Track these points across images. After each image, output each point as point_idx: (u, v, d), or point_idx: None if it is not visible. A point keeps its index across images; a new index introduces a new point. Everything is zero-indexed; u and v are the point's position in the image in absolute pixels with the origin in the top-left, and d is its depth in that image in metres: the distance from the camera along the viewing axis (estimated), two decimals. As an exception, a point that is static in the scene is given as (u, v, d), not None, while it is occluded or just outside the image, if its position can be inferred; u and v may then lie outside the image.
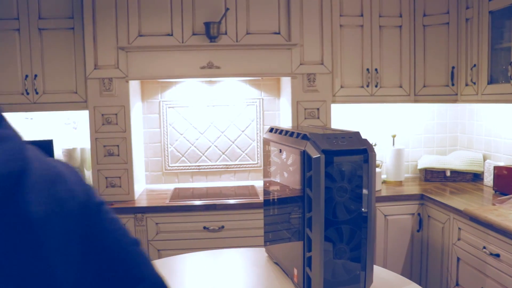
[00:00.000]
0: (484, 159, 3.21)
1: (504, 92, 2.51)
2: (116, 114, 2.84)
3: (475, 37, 2.78)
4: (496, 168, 2.85)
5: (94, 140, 2.84)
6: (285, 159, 1.77)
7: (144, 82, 3.26)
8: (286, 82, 3.12)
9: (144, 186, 3.32)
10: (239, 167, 3.42)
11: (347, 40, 3.07)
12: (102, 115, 2.83)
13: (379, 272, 1.74)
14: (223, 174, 3.41)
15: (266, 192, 1.94)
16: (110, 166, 2.86)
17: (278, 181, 1.82)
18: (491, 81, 2.67)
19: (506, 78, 2.61)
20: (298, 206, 1.58)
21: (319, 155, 1.42)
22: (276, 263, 1.81)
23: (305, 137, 1.50)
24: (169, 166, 3.38)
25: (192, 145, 3.37)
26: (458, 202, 2.64)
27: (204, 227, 2.80)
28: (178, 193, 3.11)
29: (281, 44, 2.90)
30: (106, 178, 2.87)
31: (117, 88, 2.82)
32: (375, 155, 1.51)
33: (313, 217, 1.44)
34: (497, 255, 2.18)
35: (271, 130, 1.87)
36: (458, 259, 2.53)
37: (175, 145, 3.36)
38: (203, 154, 3.38)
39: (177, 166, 3.39)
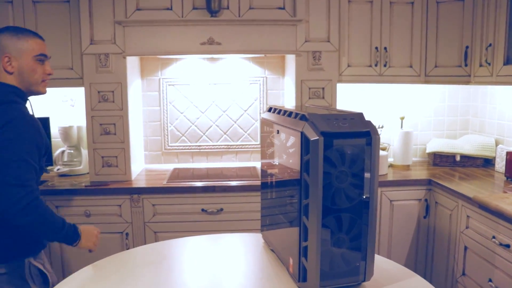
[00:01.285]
0: (496, 144, 3.07)
1: (521, 73, 2.36)
2: (112, 92, 2.73)
3: (492, 15, 2.61)
4: (509, 153, 2.72)
5: (90, 118, 2.75)
6: (284, 141, 1.66)
7: (143, 58, 3.15)
8: (290, 60, 2.98)
9: (143, 166, 3.23)
10: (241, 148, 3.31)
11: (356, 17, 2.91)
12: (98, 92, 2.72)
13: (380, 262, 1.64)
14: (224, 154, 3.31)
15: (263, 174, 1.84)
16: (106, 145, 2.77)
17: (276, 163, 1.71)
18: (507, 61, 2.52)
19: (524, 58, 2.45)
20: (295, 191, 1.48)
21: (317, 138, 1.31)
22: (272, 250, 1.72)
23: (303, 117, 1.39)
24: (168, 146, 3.29)
25: (193, 124, 3.27)
26: (467, 188, 2.51)
27: (202, 209, 2.71)
28: (177, 174, 3.02)
29: (285, 20, 2.75)
30: (102, 157, 2.78)
31: (113, 64, 2.71)
32: (379, 138, 1.39)
33: (310, 204, 1.34)
34: (507, 246, 2.06)
35: (270, 109, 1.76)
36: (466, 248, 2.42)
37: (175, 124, 3.26)
38: (204, 134, 3.27)
39: (177, 146, 3.29)
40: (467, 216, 2.40)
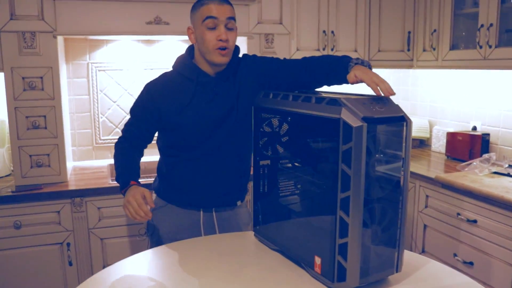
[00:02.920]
0: (430, 125, 3.25)
1: (469, 58, 2.49)
2: (41, 78, 2.30)
3: (436, 2, 2.71)
4: (449, 134, 2.88)
5: (13, 110, 2.28)
6: (289, 129, 1.52)
7: (68, 39, 2.72)
8: (241, 43, 2.80)
9: (72, 164, 2.81)
10: (182, 139, 3.05)
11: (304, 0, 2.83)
12: (23, 78, 2.27)
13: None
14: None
15: (256, 168, 1.66)
16: (35, 142, 2.33)
17: (271, 154, 1.57)
18: (453, 47, 2.64)
19: (468, 44, 2.59)
20: (323, 183, 1.35)
21: (361, 124, 1.18)
22: (278, 251, 1.56)
23: (334, 102, 1.25)
24: (100, 140, 2.91)
25: (128, 114, 2.92)
26: (421, 169, 2.60)
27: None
28: (117, 171, 2.67)
29: (237, -1, 2.56)
30: (30, 156, 2.34)
31: (42, 45, 2.27)
32: (412, 122, 1.32)
33: (352, 197, 1.21)
34: (475, 221, 2.17)
35: (266, 95, 1.59)
36: (425, 226, 2.51)
37: (107, 114, 2.89)
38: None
39: (111, 139, 2.92)
40: (426, 196, 2.48)
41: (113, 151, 2.88)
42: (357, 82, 1.41)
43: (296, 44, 2.87)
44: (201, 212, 1.73)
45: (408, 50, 2.95)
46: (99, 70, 2.82)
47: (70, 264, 2.33)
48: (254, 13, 2.63)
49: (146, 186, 2.31)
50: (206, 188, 1.70)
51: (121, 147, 1.73)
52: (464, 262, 2.23)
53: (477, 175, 2.35)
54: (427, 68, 2.89)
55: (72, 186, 2.33)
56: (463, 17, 2.62)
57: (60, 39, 2.53)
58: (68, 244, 2.32)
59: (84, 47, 2.77)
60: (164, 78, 1.70)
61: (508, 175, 2.33)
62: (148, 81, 1.70)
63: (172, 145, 1.70)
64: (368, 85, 1.34)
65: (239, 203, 1.79)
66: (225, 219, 1.76)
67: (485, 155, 2.52)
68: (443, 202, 2.37)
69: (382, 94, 1.30)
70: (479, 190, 2.12)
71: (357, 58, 1.49)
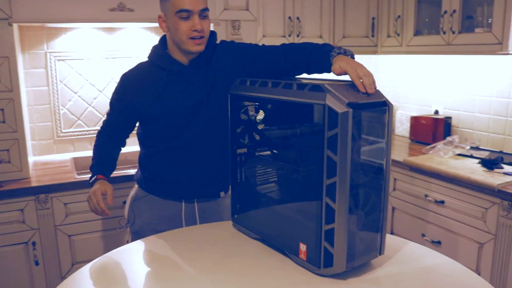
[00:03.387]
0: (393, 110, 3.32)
1: (433, 44, 2.55)
2: (-3, 68, 2.16)
3: (399, -12, 2.76)
4: (413, 118, 2.96)
5: (-33, 103, 2.14)
6: (268, 116, 1.50)
7: (24, 28, 2.56)
8: (207, 30, 2.74)
9: (32, 159, 2.68)
10: (148, 130, 2.97)
11: (270, -15, 2.80)
12: (-23, 69, 2.13)
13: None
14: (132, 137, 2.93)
15: (233, 156, 1.64)
16: (-7, 137, 2.20)
17: (248, 141, 1.56)
18: (417, 33, 2.70)
19: (431, 30, 2.66)
20: (304, 171, 1.34)
21: (346, 110, 1.18)
22: (259, 239, 1.55)
23: (317, 88, 1.24)
24: (61, 133, 2.78)
25: (90, 105, 2.81)
26: (388, 153, 2.66)
27: (125, 202, 2.36)
28: (81, 164, 2.57)
29: (202, -15, 2.49)
30: (-12, 152, 2.20)
31: (-4, 33, 2.13)
32: (393, 107, 1.33)
33: (338, 183, 1.22)
34: (442, 202, 2.25)
35: (242, 82, 1.56)
36: (394, 208, 2.58)
37: (68, 106, 2.76)
38: (104, 116, 2.85)
39: (72, 132, 2.81)
40: (394, 179, 2.55)
41: (76, 144, 2.82)
42: (342, 74, 1.39)
43: (262, 31, 2.84)
44: (183, 203, 1.70)
45: (373, 36, 2.99)
46: (58, 60, 2.68)
47: (37, 263, 2.23)
48: (220, 0, 2.58)
49: (127, 177, 2.25)
50: (186, 179, 1.67)
51: (100, 137, 1.76)
52: (432, 242, 2.31)
53: (442, 158, 2.43)
54: (392, 54, 2.94)
55: (35, 183, 2.22)
56: (426, 3, 2.68)
57: (15, 27, 2.38)
58: (34, 243, 2.21)
59: (41, 36, 2.62)
60: (138, 68, 1.67)
61: (471, 156, 2.43)
62: (123, 72, 1.68)
63: (150, 135, 1.67)
64: (352, 79, 1.30)
65: (222, 194, 1.77)
66: (207, 210, 1.73)
67: (449, 138, 2.61)
68: (410, 185, 2.44)
69: (364, 91, 1.27)
70: (446, 172, 2.19)
71: (339, 48, 1.47)
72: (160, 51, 1.63)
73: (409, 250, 1.50)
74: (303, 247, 1.35)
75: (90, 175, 1.72)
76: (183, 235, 1.61)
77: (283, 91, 1.37)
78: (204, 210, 1.73)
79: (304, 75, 1.68)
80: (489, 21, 2.29)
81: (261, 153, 1.58)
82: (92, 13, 2.27)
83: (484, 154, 2.42)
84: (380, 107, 1.29)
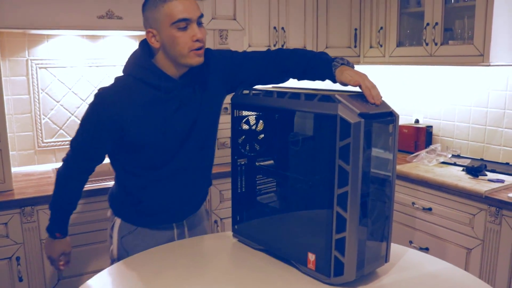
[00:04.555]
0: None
1: (416, 55, 2.63)
2: (-21, 76, 2.08)
3: (381, 1, 2.83)
4: (395, 127, 3.03)
5: None
6: (273, 126, 1.51)
7: (3, 34, 2.48)
8: (194, 39, 2.73)
9: (12, 170, 2.57)
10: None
11: (256, -5, 2.82)
12: (-41, 77, 2.04)
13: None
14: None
15: (234, 166, 1.63)
16: (-26, 148, 2.11)
17: (251, 152, 1.56)
18: (399, 44, 2.78)
19: (413, 41, 2.74)
20: (313, 181, 1.35)
21: (359, 120, 1.20)
22: (262, 250, 1.54)
23: (327, 98, 1.26)
24: (43, 143, 2.69)
25: (72, 114, 2.74)
26: (374, 161, 2.71)
27: (104, 219, 2.30)
28: (65, 176, 2.49)
29: (191, -6, 2.49)
30: (-31, 163, 2.11)
31: (-21, 40, 2.05)
32: (399, 117, 1.37)
33: (350, 193, 1.23)
34: (430, 209, 2.31)
35: (246, 92, 1.56)
36: (380, 216, 2.62)
37: (50, 115, 2.68)
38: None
39: (54, 142, 2.72)
40: (381, 186, 2.59)
41: (58, 154, 2.73)
42: (357, 85, 1.35)
43: (248, 40, 2.85)
44: (174, 226, 1.64)
45: (355, 46, 3.05)
46: (39, 68, 2.60)
47: (21, 280, 2.14)
48: (208, 9, 2.58)
49: (100, 190, 2.19)
50: (179, 202, 1.60)
51: (63, 177, 1.57)
52: (420, 248, 2.36)
53: (427, 166, 2.50)
54: (374, 64, 3.01)
55: (20, 195, 2.14)
56: (408, 15, 2.77)
57: (-5, 33, 2.31)
58: (18, 258, 2.12)
59: (22, 42, 2.54)
60: (119, 85, 1.46)
61: (455, 164, 2.51)
62: (100, 87, 1.45)
63: (137, 164, 1.51)
64: (363, 90, 1.31)
65: (203, 204, 1.75)
66: (193, 224, 1.70)
67: (431, 146, 2.68)
68: (398, 193, 2.49)
69: (373, 101, 1.29)
70: (433, 179, 2.25)
71: (342, 58, 1.47)
72: (144, 63, 1.45)
73: (410, 257, 1.53)
74: (311, 257, 1.36)
75: (49, 217, 1.66)
76: (178, 250, 1.58)
77: (291, 101, 1.37)
78: (191, 225, 1.69)
79: (299, 84, 1.68)
80: (470, 34, 2.39)
81: (263, 163, 1.58)
82: (80, 20, 2.22)
83: (466, 162, 2.50)
84: (388, 117, 1.32)
